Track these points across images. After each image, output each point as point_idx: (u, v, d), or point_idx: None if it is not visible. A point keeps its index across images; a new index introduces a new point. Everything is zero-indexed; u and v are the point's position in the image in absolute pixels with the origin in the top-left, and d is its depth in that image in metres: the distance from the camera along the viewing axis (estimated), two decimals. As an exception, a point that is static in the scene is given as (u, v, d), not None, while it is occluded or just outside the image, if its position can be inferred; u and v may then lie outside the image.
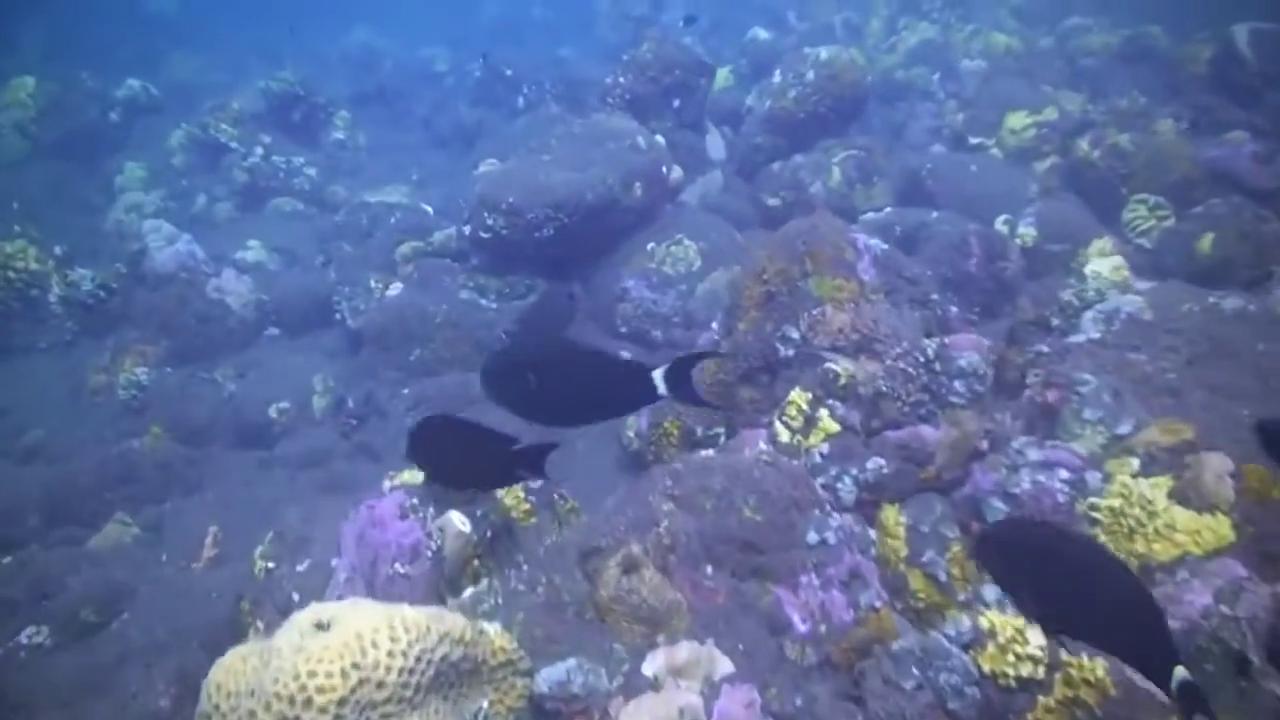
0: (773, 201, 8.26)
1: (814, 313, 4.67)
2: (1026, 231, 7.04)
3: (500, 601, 3.22)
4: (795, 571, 3.47)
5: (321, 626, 2.41)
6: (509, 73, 12.81)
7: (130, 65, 17.40)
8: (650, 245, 7.38)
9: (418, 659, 2.41)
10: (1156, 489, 3.66)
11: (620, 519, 3.48)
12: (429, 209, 8.47)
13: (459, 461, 2.89)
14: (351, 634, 2.36)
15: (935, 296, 5.20)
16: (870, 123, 9.28)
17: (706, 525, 3.50)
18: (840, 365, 4.49)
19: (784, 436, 4.40)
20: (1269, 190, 6.98)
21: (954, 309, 5.23)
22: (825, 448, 4.22)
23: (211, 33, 20.36)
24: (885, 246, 5.25)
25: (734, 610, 3.35)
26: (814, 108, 8.40)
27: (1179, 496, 3.64)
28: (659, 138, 7.90)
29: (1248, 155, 7.23)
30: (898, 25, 12.37)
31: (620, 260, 7.41)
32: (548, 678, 2.90)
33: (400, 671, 2.37)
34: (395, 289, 7.35)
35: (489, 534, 4.13)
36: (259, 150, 10.56)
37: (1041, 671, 3.10)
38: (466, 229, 7.44)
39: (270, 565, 4.30)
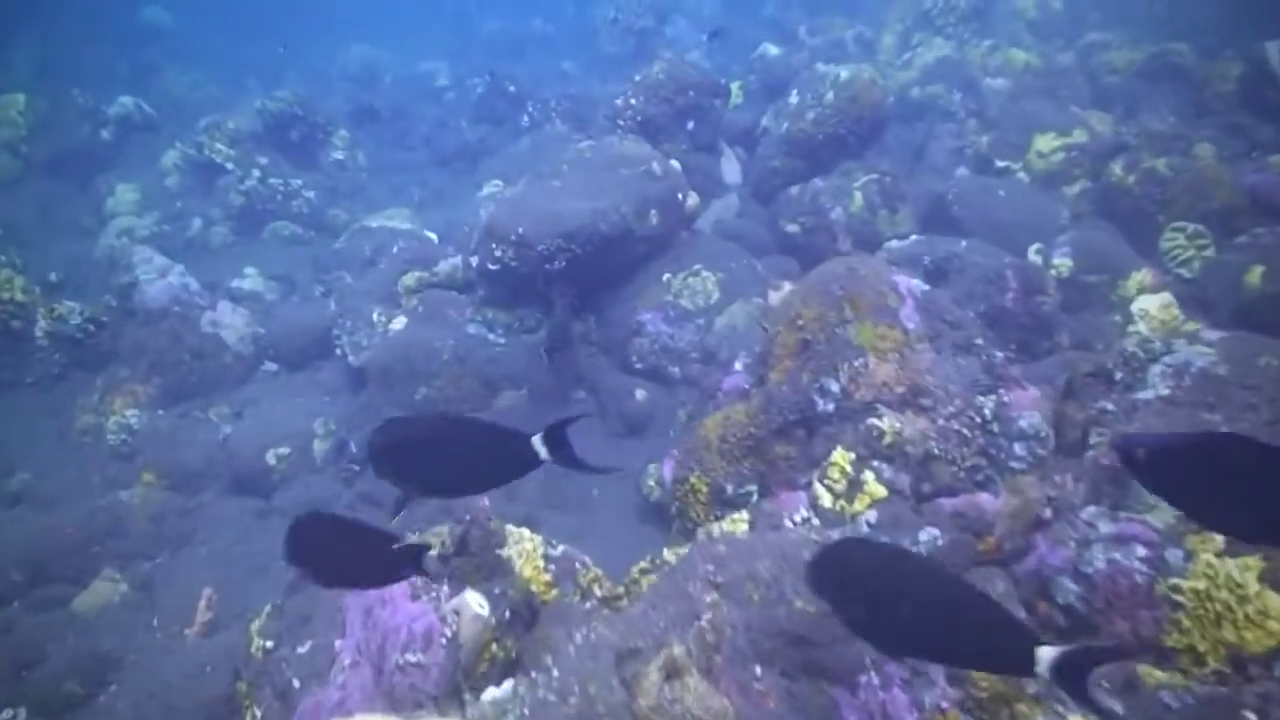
0: (791, 228, 7.93)
1: (855, 363, 4.33)
2: (1062, 262, 6.72)
3: (528, 712, 2.86)
4: (853, 669, 3.12)
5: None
6: (512, 89, 12.50)
7: (125, 80, 17.13)
8: (666, 276, 7.05)
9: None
10: (1247, 570, 3.32)
11: (659, 614, 3.13)
12: (433, 236, 8.13)
13: (339, 560, 2.76)
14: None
15: (980, 341, 4.85)
16: (887, 143, 8.95)
17: (754, 618, 3.15)
18: (885, 422, 4.15)
19: (826, 501, 4.06)
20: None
21: (999, 354, 4.87)
22: (872, 515, 3.88)
23: (207, 47, 20.05)
24: (925, 287, 4.91)
25: (786, 716, 3.00)
26: (833, 130, 8.07)
27: (1272, 579, 3.30)
28: (674, 162, 7.56)
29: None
30: (911, 41, 12.06)
31: (635, 292, 7.07)
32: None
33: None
34: (399, 323, 7.00)
35: (508, 614, 3.79)
36: (256, 172, 10.22)
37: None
38: (473, 260, 7.09)
39: (268, 645, 3.94)
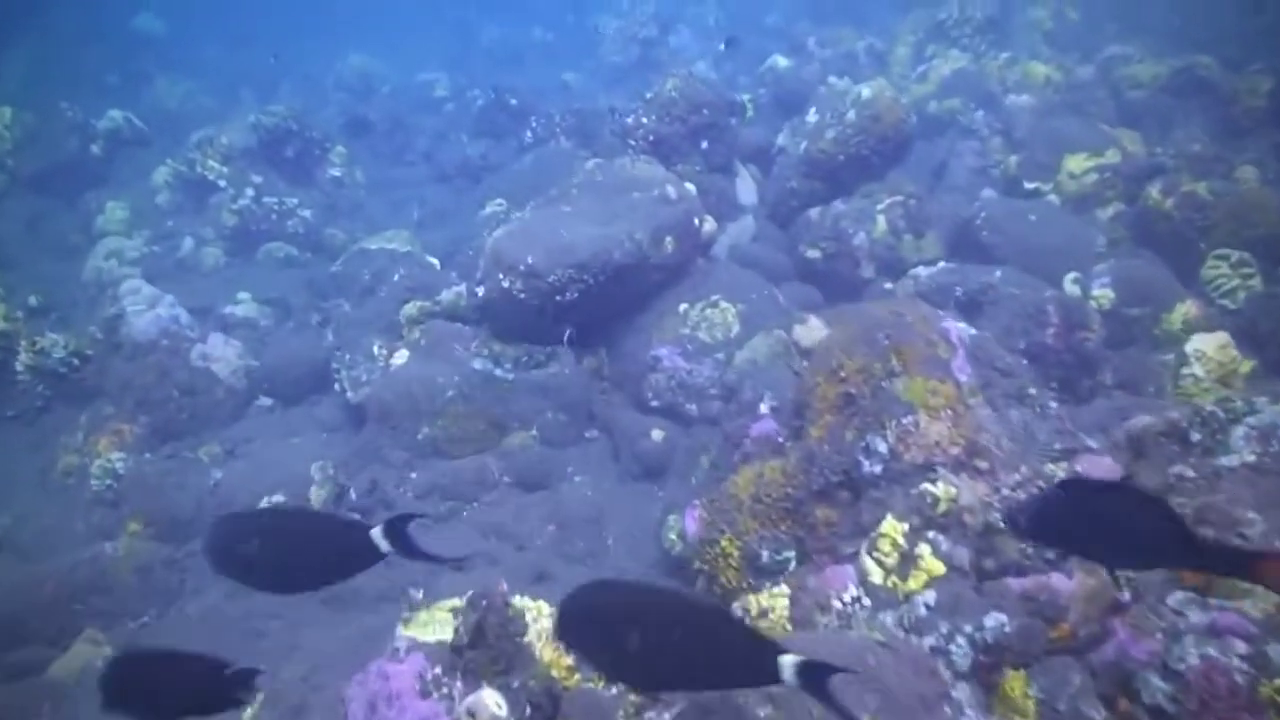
0: (812, 253, 7.57)
1: (904, 421, 3.96)
2: (1102, 293, 6.37)
3: None
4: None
5: None
6: (514, 102, 12.14)
7: (116, 90, 16.74)
8: (682, 307, 6.68)
9: None
10: (1362, 673, 2.95)
11: (707, 732, 2.75)
12: (435, 262, 7.75)
13: (165, 698, 2.60)
14: None
15: (1033, 391, 4.50)
16: (905, 161, 8.58)
17: (814, 737, 2.78)
18: (940, 487, 3.78)
19: (876, 576, 3.68)
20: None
21: (1053, 404, 4.52)
22: (931, 596, 3.51)
23: (200, 55, 19.68)
24: (973, 331, 4.56)
25: None
26: (855, 150, 7.71)
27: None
28: (689, 185, 7.20)
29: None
30: (925, 53, 11.73)
31: (650, 324, 6.71)
32: None
33: None
34: (400, 357, 6.62)
35: (528, 711, 3.41)
36: (250, 191, 9.83)
37: None
38: (479, 290, 6.72)
39: (261, 740, 3.56)
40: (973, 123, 8.80)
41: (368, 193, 11.31)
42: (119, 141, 12.12)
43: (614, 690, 3.89)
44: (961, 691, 3.27)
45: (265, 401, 7.12)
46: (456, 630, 3.40)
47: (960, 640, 3.37)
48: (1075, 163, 7.67)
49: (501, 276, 6.41)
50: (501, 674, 3.35)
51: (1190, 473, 3.68)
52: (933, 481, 3.84)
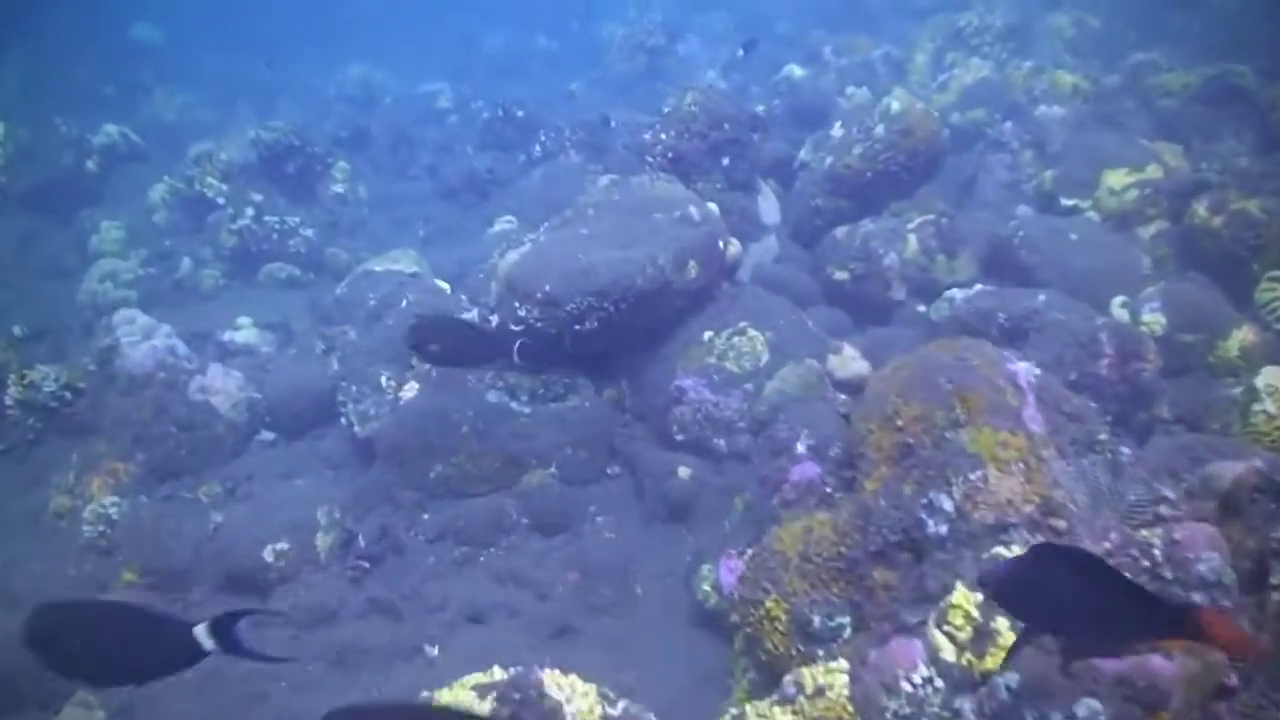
0: (840, 275, 7.22)
1: (972, 476, 3.61)
2: (1153, 319, 6.01)
3: None
4: None
5: None
6: (521, 114, 11.80)
7: (112, 102, 16.41)
8: (707, 335, 6.32)
9: None
10: None
11: None
12: (445, 286, 7.37)
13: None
14: None
15: (1104, 436, 4.15)
16: (936, 177, 8.24)
17: None
18: (1015, 552, 3.43)
19: (949, 653, 3.32)
20: None
21: (1125, 450, 4.17)
22: (1013, 679, 3.14)
23: (197, 65, 19.33)
24: (1038, 372, 4.21)
25: None
26: (884, 166, 7.37)
27: None
28: (712, 205, 6.85)
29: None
30: (945, 61, 11.40)
31: (674, 352, 6.34)
32: None
33: None
34: (410, 390, 6.27)
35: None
36: (250, 210, 9.48)
37: None
38: (493, 319, 6.38)
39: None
40: (1002, 135, 8.45)
41: (371, 209, 10.95)
42: (115, 157, 11.78)
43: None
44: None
45: (267, 436, 6.76)
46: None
47: (1049, 730, 3.02)
48: (1115, 178, 7.31)
49: (517, 305, 6.06)
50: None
51: (1298, 537, 3.32)
52: (1006, 545, 3.49)
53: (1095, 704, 3.04)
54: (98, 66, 18.59)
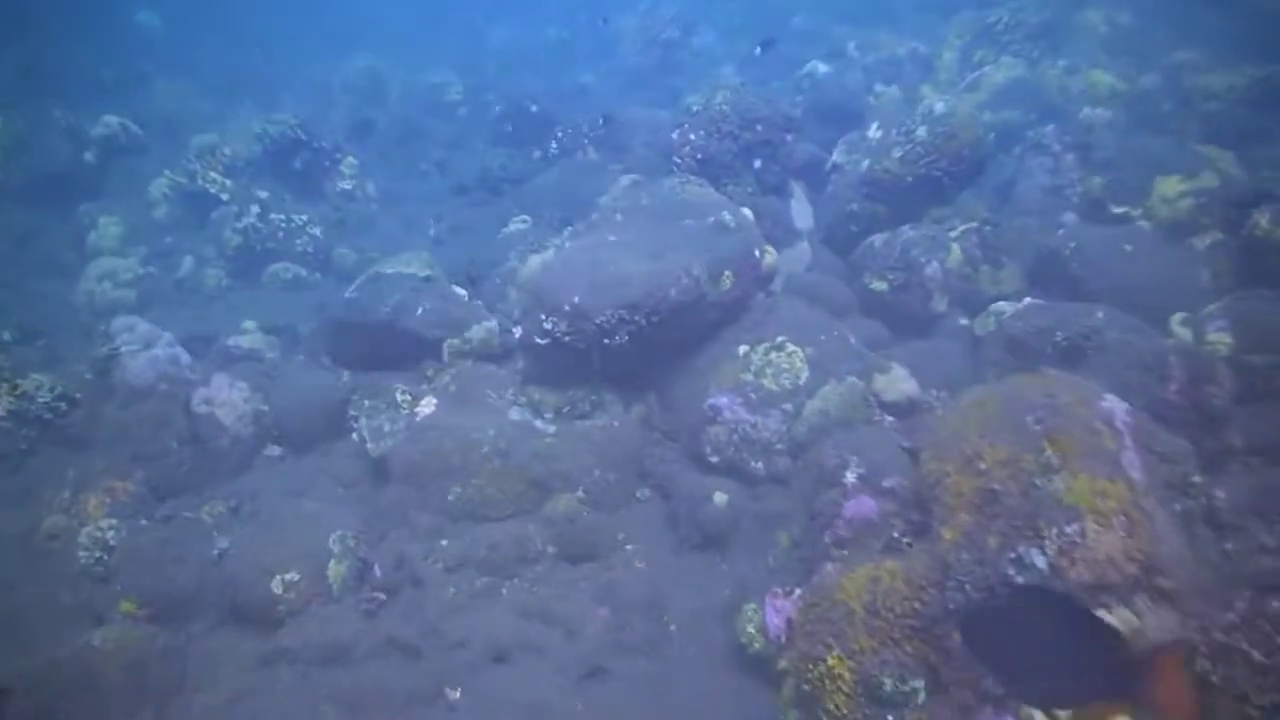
0: (878, 285, 6.85)
1: (1067, 530, 3.25)
2: (1218, 338, 5.63)
3: None
4: None
5: None
6: (534, 109, 11.42)
7: (110, 90, 15.94)
8: (742, 349, 5.96)
9: None
10: None
11: None
12: (462, 292, 6.98)
13: None
14: None
15: (1198, 479, 3.79)
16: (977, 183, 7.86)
17: None
18: (1119, 616, 3.08)
19: (1046, 732, 2.97)
20: None
21: (1220, 493, 3.81)
22: (1125, 766, 2.80)
23: (199, 54, 18.85)
24: (1128, 406, 3.84)
25: None
26: (925, 170, 7.01)
27: None
28: (746, 211, 6.48)
29: None
30: (974, 58, 11.02)
31: (706, 367, 5.99)
32: None
33: None
34: (428, 405, 5.91)
35: None
36: (254, 208, 9.09)
37: None
38: (516, 330, 6.01)
39: None
40: (1043, 137, 8.06)
41: (380, 207, 10.56)
42: (114, 149, 11.36)
43: None
44: None
45: (274, 450, 6.39)
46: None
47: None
48: (1169, 186, 6.94)
49: (544, 318, 5.70)
50: None
51: None
52: (1107, 608, 3.14)
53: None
54: (95, 55, 18.12)
